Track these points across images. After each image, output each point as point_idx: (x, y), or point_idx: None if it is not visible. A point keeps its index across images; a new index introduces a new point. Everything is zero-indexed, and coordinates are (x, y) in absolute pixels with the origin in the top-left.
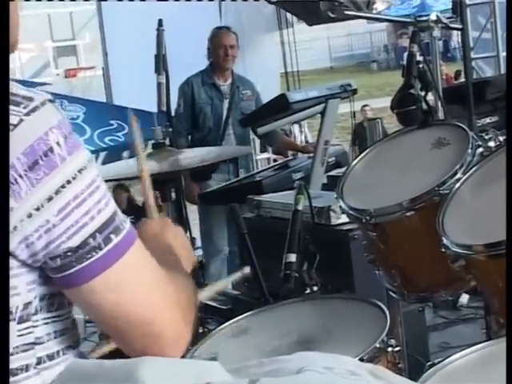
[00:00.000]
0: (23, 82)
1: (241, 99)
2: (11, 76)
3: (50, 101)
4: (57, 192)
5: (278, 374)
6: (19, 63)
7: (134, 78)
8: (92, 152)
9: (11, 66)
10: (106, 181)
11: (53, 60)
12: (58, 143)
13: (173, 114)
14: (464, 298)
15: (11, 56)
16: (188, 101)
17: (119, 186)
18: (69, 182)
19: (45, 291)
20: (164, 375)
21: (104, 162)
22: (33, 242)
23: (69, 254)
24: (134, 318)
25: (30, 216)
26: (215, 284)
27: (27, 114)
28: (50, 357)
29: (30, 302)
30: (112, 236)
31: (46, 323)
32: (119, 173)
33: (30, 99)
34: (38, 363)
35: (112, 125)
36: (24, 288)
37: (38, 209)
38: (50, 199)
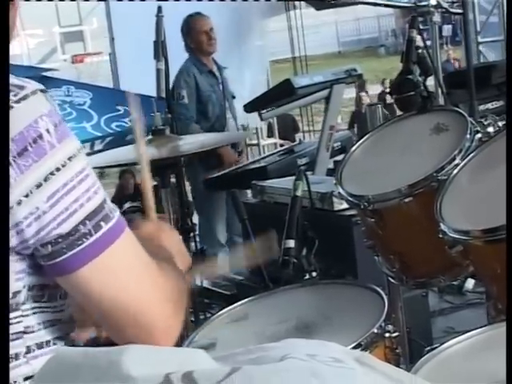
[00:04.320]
0: (30, 68)
1: (227, 82)
2: (18, 62)
3: (42, 91)
4: (46, 179)
5: (261, 362)
6: (26, 49)
7: (141, 63)
8: (99, 138)
9: (19, 51)
10: (111, 166)
11: (60, 46)
12: (47, 130)
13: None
14: (469, 283)
15: (18, 42)
16: (193, 91)
17: (126, 171)
18: (58, 169)
19: (34, 281)
20: (148, 363)
21: (108, 147)
22: (23, 229)
23: (59, 240)
24: (123, 307)
25: (19, 203)
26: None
27: (17, 102)
28: (39, 345)
29: (18, 291)
30: (102, 223)
31: (35, 313)
32: (123, 158)
33: (21, 87)
34: (27, 352)
35: (119, 110)
36: (12, 277)
37: (27, 195)
38: (39, 186)
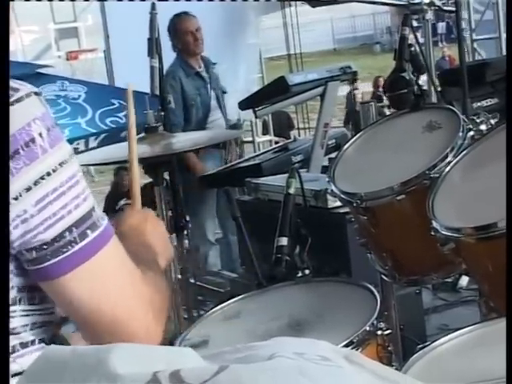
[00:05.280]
0: (25, 64)
1: (216, 78)
2: (13, 58)
3: (36, 93)
4: (36, 183)
5: (249, 361)
6: (21, 45)
7: (136, 60)
8: (93, 134)
9: (13, 48)
10: (106, 164)
11: (54, 42)
12: (40, 134)
13: None
14: (464, 280)
15: (13, 38)
16: (178, 96)
17: (122, 169)
18: (49, 174)
19: (23, 283)
20: (135, 361)
21: (102, 145)
22: (9, 231)
23: (44, 246)
24: (105, 316)
25: None
26: None
27: (11, 104)
28: (24, 345)
29: None
30: (88, 232)
31: (24, 315)
32: (119, 155)
33: (16, 90)
34: (12, 352)
35: (113, 104)
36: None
37: (16, 198)
38: (28, 189)
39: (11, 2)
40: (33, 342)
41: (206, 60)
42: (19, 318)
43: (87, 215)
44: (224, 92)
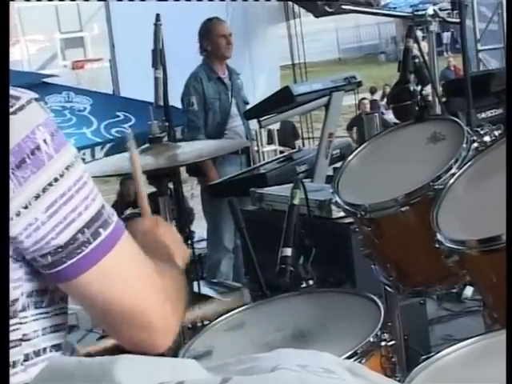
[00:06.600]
0: (30, 74)
1: (239, 88)
2: (19, 68)
3: (36, 99)
4: (44, 190)
5: (252, 372)
6: (27, 55)
7: (141, 70)
8: (99, 143)
9: (19, 57)
10: (112, 175)
11: (60, 52)
12: (44, 141)
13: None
14: (468, 291)
15: (19, 48)
16: (200, 98)
17: (128, 179)
18: (56, 179)
19: (32, 288)
20: (139, 373)
21: (109, 154)
22: (22, 241)
23: (59, 250)
24: (124, 309)
25: (18, 214)
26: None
27: (13, 113)
28: (37, 353)
29: (16, 299)
30: (100, 230)
31: (34, 320)
32: (124, 167)
33: (17, 98)
34: (26, 360)
35: (118, 116)
36: (10, 285)
37: (26, 207)
38: (37, 197)
39: (17, 12)
40: (45, 350)
41: (230, 69)
42: (30, 323)
43: (97, 214)
44: (246, 102)
